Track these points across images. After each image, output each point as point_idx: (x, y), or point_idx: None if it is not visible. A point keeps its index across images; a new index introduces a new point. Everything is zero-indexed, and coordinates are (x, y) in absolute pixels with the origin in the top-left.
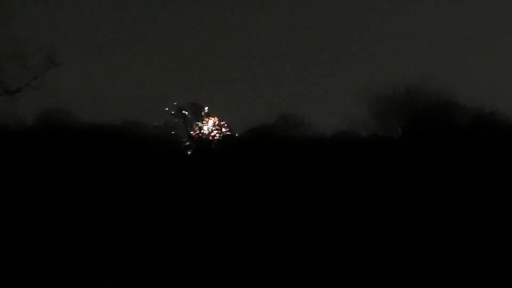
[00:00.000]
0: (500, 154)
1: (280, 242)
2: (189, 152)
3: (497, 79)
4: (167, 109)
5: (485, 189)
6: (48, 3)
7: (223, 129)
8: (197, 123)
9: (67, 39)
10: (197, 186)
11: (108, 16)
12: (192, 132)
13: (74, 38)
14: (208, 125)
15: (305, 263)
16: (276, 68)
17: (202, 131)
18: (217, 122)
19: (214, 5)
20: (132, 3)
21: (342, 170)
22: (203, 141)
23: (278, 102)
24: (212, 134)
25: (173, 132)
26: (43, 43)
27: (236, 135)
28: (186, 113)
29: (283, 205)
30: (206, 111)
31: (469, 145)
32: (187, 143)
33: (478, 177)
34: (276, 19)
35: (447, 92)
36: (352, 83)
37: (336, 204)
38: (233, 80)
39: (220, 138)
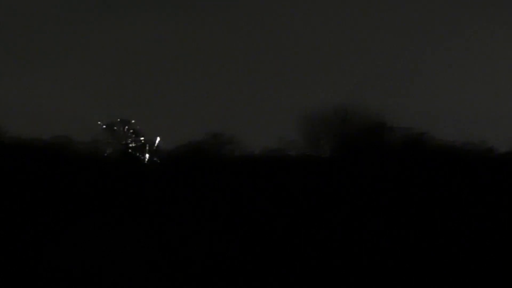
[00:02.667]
0: (429, 174)
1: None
2: (119, 167)
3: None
4: (99, 123)
5: (414, 208)
6: None
7: (153, 145)
8: (127, 139)
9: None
10: (128, 200)
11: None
12: (122, 148)
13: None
14: (138, 141)
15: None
16: (207, 86)
17: (131, 146)
18: (146, 138)
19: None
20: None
21: (269, 187)
22: (133, 156)
23: (208, 120)
24: (142, 149)
25: (103, 148)
26: None
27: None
28: (116, 129)
29: (209, 220)
30: (137, 127)
31: (399, 165)
32: (117, 158)
33: (407, 196)
34: (209, 37)
35: (377, 114)
36: (283, 103)
37: (261, 221)
38: (164, 97)
39: (149, 154)
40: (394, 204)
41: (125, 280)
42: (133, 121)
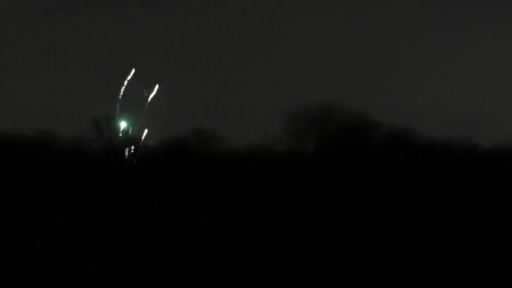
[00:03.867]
0: (413, 171)
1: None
2: (104, 164)
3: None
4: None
5: (398, 206)
6: None
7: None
8: (111, 134)
9: None
10: (113, 198)
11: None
12: (106, 143)
13: None
14: (122, 136)
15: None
16: (192, 81)
17: (115, 141)
18: (130, 133)
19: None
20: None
21: (253, 184)
22: (117, 152)
23: (193, 116)
24: (126, 145)
25: (87, 144)
26: None
27: (150, 146)
28: (100, 124)
29: (195, 218)
30: (121, 123)
31: (383, 162)
32: (102, 154)
33: (390, 193)
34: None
35: (360, 110)
36: (267, 99)
37: (247, 218)
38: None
39: (133, 149)
40: (379, 202)
41: (109, 280)
42: (117, 116)
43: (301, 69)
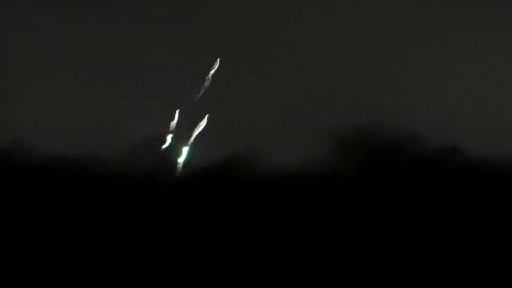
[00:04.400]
0: (461, 190)
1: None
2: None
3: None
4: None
5: (445, 225)
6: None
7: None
8: (159, 154)
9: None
10: (160, 217)
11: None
12: (154, 162)
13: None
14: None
15: None
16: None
17: (163, 161)
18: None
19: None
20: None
21: (300, 206)
22: (164, 172)
23: (238, 137)
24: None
25: (138, 165)
26: None
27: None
28: (151, 145)
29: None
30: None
31: (429, 180)
32: (149, 174)
33: (438, 213)
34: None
35: (406, 127)
36: (308, 120)
37: (294, 240)
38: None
39: (181, 169)
40: (425, 220)
41: None
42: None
43: (343, 86)
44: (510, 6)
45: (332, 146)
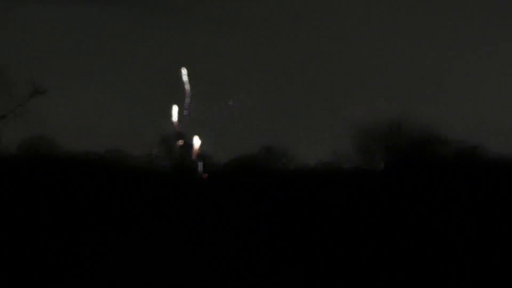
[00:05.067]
0: (483, 189)
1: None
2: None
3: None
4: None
5: (468, 224)
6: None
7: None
8: (181, 152)
9: (52, 66)
10: (182, 215)
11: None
12: (176, 161)
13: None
14: (192, 155)
15: None
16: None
17: (185, 159)
18: (199, 152)
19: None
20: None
21: (324, 202)
22: (187, 169)
23: (262, 133)
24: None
25: (157, 161)
26: (27, 71)
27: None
28: (170, 143)
29: (265, 237)
30: (190, 140)
31: (452, 179)
32: (171, 172)
33: (461, 212)
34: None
35: (430, 126)
36: (336, 116)
37: (318, 237)
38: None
39: (203, 167)
40: (449, 219)
41: None
42: (188, 136)
43: (371, 85)
44: None
45: (355, 144)
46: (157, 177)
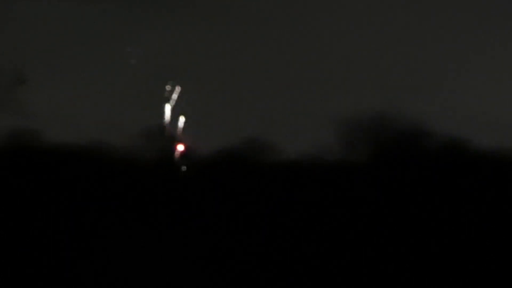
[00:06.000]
0: (469, 182)
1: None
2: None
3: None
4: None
5: (453, 217)
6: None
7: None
8: (163, 143)
9: (36, 58)
10: (164, 207)
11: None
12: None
13: (43, 57)
14: (175, 146)
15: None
16: (244, 90)
17: (167, 150)
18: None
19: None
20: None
21: (306, 194)
22: (169, 161)
23: (245, 124)
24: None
25: (140, 153)
26: (11, 62)
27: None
28: (152, 133)
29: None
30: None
31: (438, 172)
32: (154, 163)
33: (446, 204)
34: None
35: (415, 119)
36: (320, 108)
37: (301, 229)
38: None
39: (185, 158)
40: (433, 212)
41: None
42: (168, 124)
43: (355, 77)
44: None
45: (339, 136)
46: (141, 169)
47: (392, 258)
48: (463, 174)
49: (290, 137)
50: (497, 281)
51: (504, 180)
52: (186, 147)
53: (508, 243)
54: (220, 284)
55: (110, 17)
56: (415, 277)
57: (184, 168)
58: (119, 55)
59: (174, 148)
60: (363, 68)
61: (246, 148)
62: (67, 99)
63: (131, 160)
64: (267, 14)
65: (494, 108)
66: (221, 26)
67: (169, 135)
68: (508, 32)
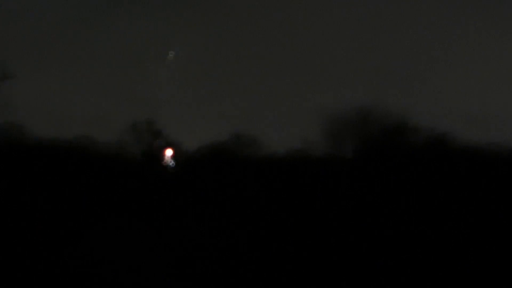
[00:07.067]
0: (453, 176)
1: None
2: (142, 168)
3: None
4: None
5: (438, 211)
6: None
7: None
8: (151, 139)
9: (21, 52)
10: (151, 203)
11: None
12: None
13: (28, 52)
14: (161, 141)
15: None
16: (230, 86)
17: (155, 147)
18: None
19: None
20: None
21: (292, 189)
22: (156, 157)
23: (231, 120)
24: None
25: (126, 149)
26: None
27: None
28: (139, 129)
29: (236, 224)
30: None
31: (422, 166)
32: (140, 159)
33: (430, 199)
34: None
35: (400, 113)
36: (306, 103)
37: (285, 223)
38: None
39: (172, 154)
40: (417, 206)
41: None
42: (157, 122)
43: (340, 72)
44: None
45: (325, 131)
46: (126, 164)
47: (379, 252)
48: (447, 168)
49: (277, 133)
50: (483, 271)
51: (489, 174)
52: (174, 151)
53: (493, 235)
54: (209, 277)
55: (95, 10)
56: (403, 270)
57: (172, 163)
58: (105, 49)
59: (162, 147)
60: (349, 65)
61: (233, 143)
62: (53, 94)
63: (119, 155)
64: (253, 11)
65: (478, 103)
66: (207, 23)
67: (156, 131)
68: (491, 28)
